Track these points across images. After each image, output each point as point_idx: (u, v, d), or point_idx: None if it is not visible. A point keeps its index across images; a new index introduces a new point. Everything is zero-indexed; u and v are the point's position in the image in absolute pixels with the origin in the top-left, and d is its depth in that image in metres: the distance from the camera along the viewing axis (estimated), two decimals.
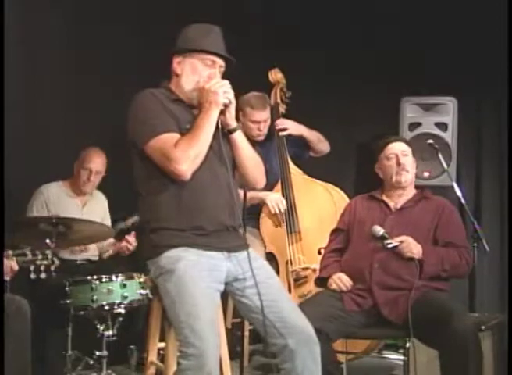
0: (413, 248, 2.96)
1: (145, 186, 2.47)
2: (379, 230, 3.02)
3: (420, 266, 2.94)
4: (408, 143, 3.27)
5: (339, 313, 2.95)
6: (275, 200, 3.79)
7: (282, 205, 3.79)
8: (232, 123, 2.49)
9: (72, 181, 3.89)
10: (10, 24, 3.68)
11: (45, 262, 2.70)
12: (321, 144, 4.05)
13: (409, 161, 3.16)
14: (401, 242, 2.98)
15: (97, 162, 3.83)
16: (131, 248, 3.76)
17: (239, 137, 2.52)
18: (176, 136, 2.39)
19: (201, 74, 2.49)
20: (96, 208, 3.94)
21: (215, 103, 2.41)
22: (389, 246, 2.99)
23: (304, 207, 3.84)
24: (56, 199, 3.80)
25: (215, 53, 2.51)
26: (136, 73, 4.16)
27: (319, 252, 3.52)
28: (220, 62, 2.52)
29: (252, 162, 2.57)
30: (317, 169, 4.10)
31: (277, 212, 3.79)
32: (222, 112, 2.44)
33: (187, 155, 2.34)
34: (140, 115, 2.44)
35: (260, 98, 3.95)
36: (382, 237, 3.01)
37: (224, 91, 2.42)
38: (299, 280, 3.72)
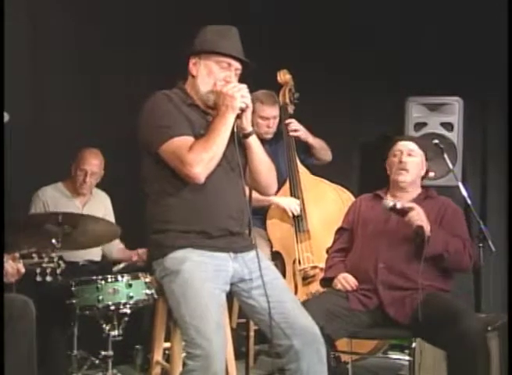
0: (422, 216, 2.92)
1: (154, 188, 2.46)
2: (389, 203, 2.99)
3: (427, 242, 2.89)
4: (420, 145, 3.22)
5: (343, 312, 2.94)
6: (292, 204, 3.80)
7: (299, 207, 3.81)
8: (248, 128, 2.47)
9: (71, 182, 3.88)
10: (12, 23, 3.69)
11: (51, 265, 2.71)
12: (323, 151, 4.07)
13: (412, 161, 3.13)
14: (411, 209, 2.94)
15: (92, 164, 3.81)
16: (141, 261, 3.73)
17: (254, 142, 2.50)
18: (190, 139, 2.38)
19: (217, 77, 2.47)
20: (97, 208, 3.91)
21: (231, 107, 2.39)
22: (398, 207, 2.95)
23: (312, 206, 3.85)
24: (54, 201, 3.78)
25: (231, 55, 2.48)
26: (138, 74, 4.17)
27: (327, 252, 3.53)
28: (236, 64, 2.50)
29: (266, 167, 2.55)
30: (322, 169, 4.11)
31: (295, 214, 3.80)
32: (239, 116, 2.42)
33: (201, 158, 2.33)
34: (154, 117, 2.42)
35: (269, 95, 3.97)
36: (393, 207, 2.97)
37: (241, 95, 2.39)
38: (307, 279, 3.73)
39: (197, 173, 2.34)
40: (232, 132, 2.40)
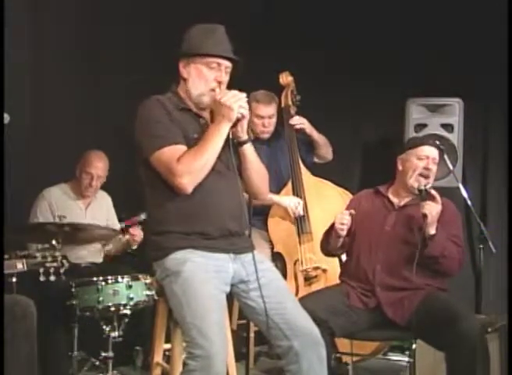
0: (434, 211, 2.88)
1: (151, 191, 2.47)
2: (421, 185, 2.98)
3: (429, 239, 2.88)
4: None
5: (344, 309, 2.95)
6: (294, 204, 3.80)
7: (301, 207, 3.80)
8: (243, 136, 2.47)
9: (75, 184, 3.87)
10: (15, 24, 3.69)
11: (55, 264, 2.71)
12: (326, 148, 4.08)
13: (435, 169, 3.12)
14: (433, 198, 2.91)
15: (98, 167, 3.81)
16: (138, 238, 3.77)
17: (248, 150, 2.50)
18: (181, 148, 2.38)
19: (207, 78, 2.47)
20: (100, 209, 3.93)
21: (228, 118, 2.38)
22: (422, 188, 2.95)
23: (314, 207, 3.85)
24: (59, 202, 3.79)
25: (220, 55, 2.48)
26: (138, 74, 4.17)
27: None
28: (226, 63, 2.49)
29: (259, 174, 2.56)
30: (322, 170, 4.11)
31: (297, 215, 3.79)
32: (234, 125, 2.42)
33: (190, 170, 2.33)
34: (146, 125, 2.43)
35: (266, 94, 3.99)
36: (423, 190, 2.96)
37: (239, 106, 2.39)
38: (309, 280, 3.73)
39: (184, 183, 2.34)
40: (227, 138, 2.40)
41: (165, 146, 2.37)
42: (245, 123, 2.44)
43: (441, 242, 2.92)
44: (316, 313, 2.51)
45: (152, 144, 2.39)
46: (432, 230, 2.90)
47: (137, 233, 3.78)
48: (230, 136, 2.41)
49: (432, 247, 2.90)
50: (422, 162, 3.10)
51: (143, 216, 3.73)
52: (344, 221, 3.02)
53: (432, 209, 2.89)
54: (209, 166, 2.37)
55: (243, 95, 2.41)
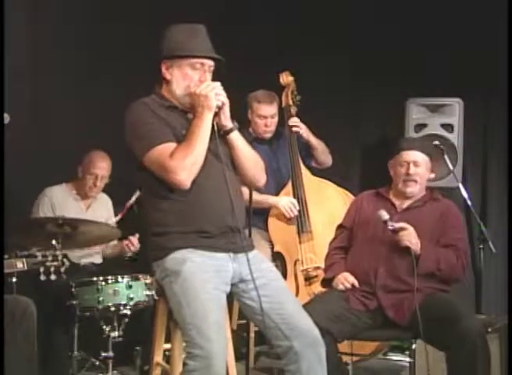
0: (412, 238, 2.92)
1: (147, 193, 2.49)
2: (384, 215, 2.98)
3: (416, 261, 2.91)
4: (423, 149, 3.16)
5: (345, 313, 2.94)
6: (287, 204, 3.80)
7: (295, 207, 3.80)
8: (228, 124, 2.48)
9: (77, 184, 3.87)
10: (17, 23, 3.69)
11: (55, 263, 2.71)
12: (324, 155, 4.06)
13: (420, 171, 3.10)
14: (402, 229, 2.94)
15: (102, 167, 3.82)
16: (133, 248, 3.77)
17: (236, 138, 2.51)
18: (171, 145, 2.39)
19: (192, 78, 2.48)
20: (100, 211, 3.93)
21: (207, 107, 2.40)
22: (390, 228, 2.95)
23: (315, 207, 3.85)
24: (61, 202, 3.79)
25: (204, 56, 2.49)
26: (138, 74, 4.16)
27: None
28: (209, 62, 2.51)
29: (251, 161, 2.56)
30: (322, 170, 4.10)
31: (291, 216, 3.79)
32: (217, 114, 2.44)
33: (184, 164, 2.34)
34: (134, 128, 2.44)
35: (267, 94, 3.99)
36: (386, 222, 2.97)
37: (216, 94, 2.41)
38: (309, 280, 3.73)
39: (181, 179, 2.35)
40: (213, 130, 2.41)
41: (156, 145, 2.38)
42: (227, 110, 2.46)
43: (431, 257, 2.95)
44: (317, 322, 2.50)
45: (143, 145, 2.40)
46: (418, 251, 2.93)
47: (135, 242, 3.77)
48: (215, 127, 2.42)
49: (423, 265, 2.93)
50: (403, 169, 3.09)
51: (134, 198, 3.72)
52: (341, 287, 3.04)
53: (410, 238, 2.93)
54: (201, 158, 2.38)
55: (218, 84, 2.44)
